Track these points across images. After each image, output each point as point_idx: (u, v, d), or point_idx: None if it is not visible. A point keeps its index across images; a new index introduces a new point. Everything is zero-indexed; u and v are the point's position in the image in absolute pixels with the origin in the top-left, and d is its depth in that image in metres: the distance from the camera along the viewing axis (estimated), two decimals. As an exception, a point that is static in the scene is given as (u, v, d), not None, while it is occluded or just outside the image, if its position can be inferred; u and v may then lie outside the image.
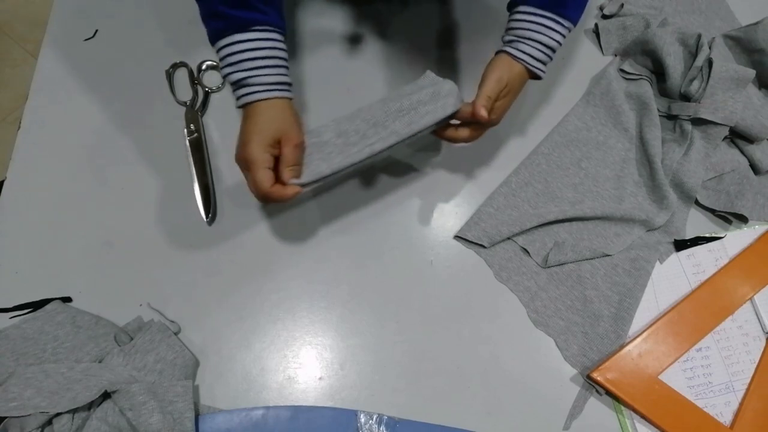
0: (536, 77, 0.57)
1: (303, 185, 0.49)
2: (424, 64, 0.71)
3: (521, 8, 0.55)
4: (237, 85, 0.49)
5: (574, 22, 0.56)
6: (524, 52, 0.55)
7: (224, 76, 0.50)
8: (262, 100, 0.49)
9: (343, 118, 0.53)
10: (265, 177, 0.48)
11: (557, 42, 0.55)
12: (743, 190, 0.65)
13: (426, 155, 0.66)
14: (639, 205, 0.65)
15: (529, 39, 0.54)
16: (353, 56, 0.72)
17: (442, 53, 0.73)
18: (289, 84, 0.52)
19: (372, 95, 0.68)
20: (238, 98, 0.50)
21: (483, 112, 0.52)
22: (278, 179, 0.49)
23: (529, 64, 0.55)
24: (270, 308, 0.58)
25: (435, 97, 0.53)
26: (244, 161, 0.49)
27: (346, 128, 0.53)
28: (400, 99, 0.53)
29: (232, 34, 0.48)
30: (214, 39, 0.49)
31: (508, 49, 0.55)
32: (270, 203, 0.52)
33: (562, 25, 0.55)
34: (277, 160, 0.50)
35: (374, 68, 0.71)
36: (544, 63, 0.56)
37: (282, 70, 0.50)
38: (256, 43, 0.48)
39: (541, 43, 0.54)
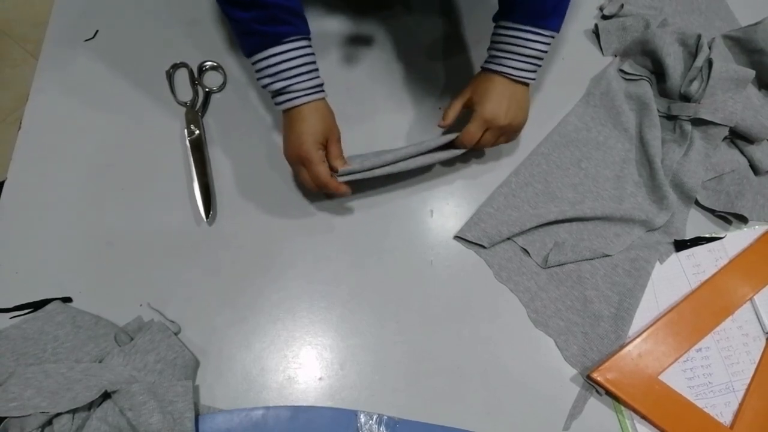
0: (524, 83, 0.59)
1: (349, 174, 0.56)
2: (424, 68, 0.71)
3: (502, 23, 0.58)
4: (278, 93, 0.54)
5: (556, 30, 0.57)
6: (503, 65, 0.58)
7: (264, 86, 0.55)
8: (304, 104, 0.55)
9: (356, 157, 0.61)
10: (324, 170, 0.55)
11: (540, 51, 0.57)
12: (743, 191, 0.65)
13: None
14: (639, 205, 0.65)
15: (510, 53, 0.57)
16: (353, 60, 0.72)
17: (442, 58, 0.73)
18: (322, 84, 0.57)
19: (372, 99, 0.69)
20: (279, 103, 0.55)
21: (440, 121, 0.60)
22: None
23: (511, 75, 0.58)
24: (270, 308, 0.58)
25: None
26: (299, 158, 0.55)
27: (364, 160, 0.59)
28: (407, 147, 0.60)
29: (267, 48, 0.52)
30: (250, 54, 0.54)
31: (487, 65, 0.59)
32: (325, 192, 0.59)
33: (543, 35, 0.57)
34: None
35: (374, 72, 0.71)
36: (530, 71, 0.58)
37: (315, 74, 0.56)
38: (290, 54, 0.53)
39: (523, 54, 0.57)
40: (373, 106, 0.69)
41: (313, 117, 0.55)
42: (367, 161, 0.57)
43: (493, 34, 0.59)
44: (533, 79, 0.59)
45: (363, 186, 0.64)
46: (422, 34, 0.74)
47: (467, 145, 0.60)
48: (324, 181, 0.55)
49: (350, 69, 0.71)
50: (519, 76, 0.58)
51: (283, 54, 0.53)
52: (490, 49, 0.60)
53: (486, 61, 0.60)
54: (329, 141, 0.57)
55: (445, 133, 0.62)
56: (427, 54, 0.73)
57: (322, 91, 0.57)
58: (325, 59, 0.71)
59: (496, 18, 0.59)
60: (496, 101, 0.58)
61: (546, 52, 0.58)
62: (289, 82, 0.54)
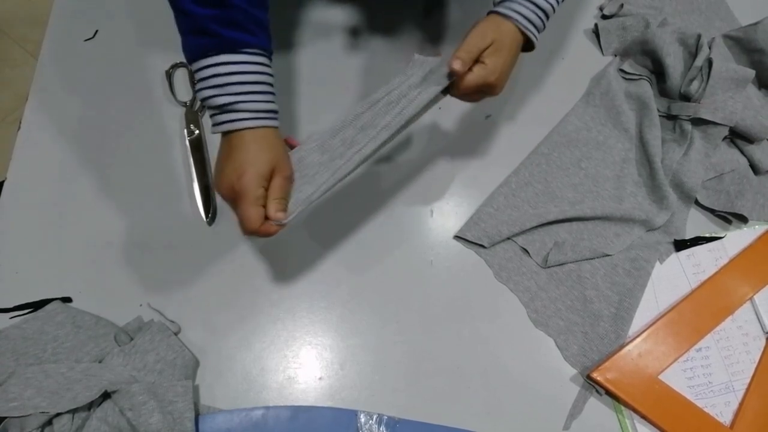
0: (529, 44, 0.54)
1: (286, 222, 0.46)
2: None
3: None
4: (221, 109, 0.45)
5: None
6: (514, 11, 0.51)
7: (203, 99, 0.45)
8: (251, 128, 0.45)
9: (328, 131, 0.50)
10: (256, 215, 0.44)
11: (550, 5, 0.52)
12: (743, 190, 0.65)
13: (426, 155, 0.66)
14: (639, 205, 0.65)
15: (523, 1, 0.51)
16: (353, 53, 0.72)
17: (443, 50, 0.73)
18: (276, 112, 0.48)
19: (371, 89, 0.68)
20: (219, 123, 0.46)
21: (457, 65, 0.48)
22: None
23: (519, 23, 0.51)
24: (270, 308, 0.58)
25: (426, 77, 0.50)
26: (233, 192, 0.45)
27: (330, 142, 0.49)
28: (388, 92, 0.50)
29: (219, 54, 0.44)
30: (195, 56, 0.45)
31: (497, 8, 0.52)
32: (257, 236, 0.49)
33: None
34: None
35: (374, 65, 0.71)
36: (536, 27, 0.53)
37: (271, 97, 0.48)
38: (245, 66, 0.45)
39: (533, 2, 0.51)
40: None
41: (259, 144, 0.45)
42: (311, 186, 0.47)
43: None
44: (537, 38, 0.54)
45: (363, 186, 0.64)
46: (425, 23, 0.74)
47: (459, 95, 0.52)
48: (252, 228, 0.44)
49: (349, 58, 0.71)
50: (528, 29, 0.52)
51: (238, 65, 0.44)
52: None
53: (497, 4, 0.53)
54: (275, 175, 0.46)
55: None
56: (429, 43, 0.72)
57: (276, 118, 0.48)
58: (324, 51, 0.71)
59: None
60: (503, 58, 0.51)
61: (554, 11, 0.53)
62: (237, 99, 0.44)
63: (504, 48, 0.51)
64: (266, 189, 0.46)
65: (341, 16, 0.73)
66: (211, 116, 0.46)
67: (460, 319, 0.58)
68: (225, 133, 0.47)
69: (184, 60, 0.68)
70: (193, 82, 0.67)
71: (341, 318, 0.58)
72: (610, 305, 0.60)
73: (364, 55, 0.71)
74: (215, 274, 0.59)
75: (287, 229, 0.60)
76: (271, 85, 0.48)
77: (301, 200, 0.47)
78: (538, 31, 0.54)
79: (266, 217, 0.45)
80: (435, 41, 0.73)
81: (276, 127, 0.48)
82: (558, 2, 0.54)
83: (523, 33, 0.53)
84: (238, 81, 0.45)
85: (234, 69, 0.44)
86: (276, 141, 0.47)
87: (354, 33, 0.72)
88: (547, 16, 0.54)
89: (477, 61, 0.51)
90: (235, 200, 0.46)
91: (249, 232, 0.45)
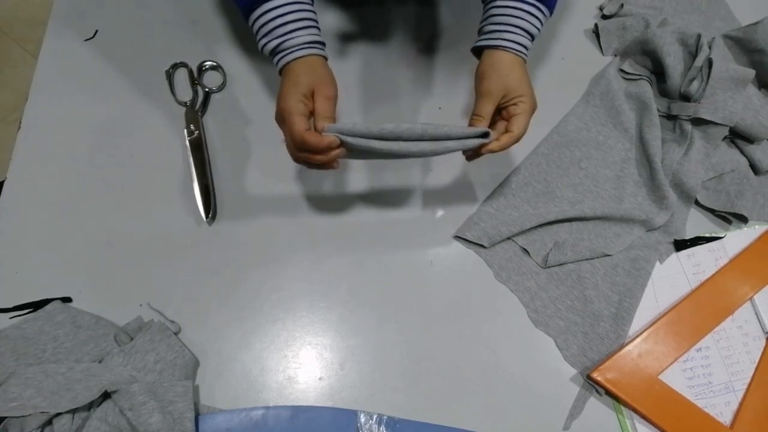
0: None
1: (340, 136, 0.47)
2: (422, 62, 0.71)
3: None
4: (273, 53, 0.50)
5: (552, 10, 0.55)
6: (509, 40, 0.53)
7: (262, 49, 0.51)
8: (296, 59, 0.49)
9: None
10: (299, 121, 0.47)
11: (537, 30, 0.54)
12: (743, 190, 0.65)
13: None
14: (639, 205, 0.65)
15: (514, 26, 0.53)
16: (349, 55, 0.72)
17: (440, 51, 0.73)
18: (322, 43, 0.52)
19: (368, 94, 0.68)
20: (275, 64, 0.51)
21: (492, 146, 0.52)
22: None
23: (516, 51, 0.53)
24: (270, 308, 0.58)
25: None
26: (280, 115, 0.49)
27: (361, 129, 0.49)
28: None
29: (261, 4, 0.49)
30: (246, 15, 0.50)
31: (492, 41, 0.53)
32: (308, 159, 0.49)
33: (542, 12, 0.53)
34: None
35: (370, 67, 0.71)
36: (527, 48, 0.54)
37: (313, 30, 0.51)
38: (284, 8, 0.49)
39: (524, 30, 0.53)
40: (367, 103, 0.69)
41: (299, 69, 0.49)
42: (363, 128, 0.47)
43: (490, 8, 0.54)
44: (527, 57, 0.55)
45: (363, 185, 0.64)
46: (418, 28, 0.74)
47: (519, 138, 0.53)
48: (298, 135, 0.47)
49: (345, 64, 0.71)
50: (520, 51, 0.53)
51: (277, 9, 0.49)
52: (487, 24, 0.55)
53: (484, 39, 0.54)
54: (316, 95, 0.49)
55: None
56: (424, 48, 0.72)
57: (320, 48, 0.51)
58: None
59: None
60: (530, 84, 0.53)
61: (539, 32, 0.54)
62: (281, 39, 0.49)
63: (523, 78, 0.53)
64: (309, 109, 0.49)
65: (333, 22, 0.73)
66: (271, 61, 0.51)
67: (460, 319, 0.58)
68: (280, 72, 0.51)
69: (184, 60, 0.69)
70: (192, 82, 0.68)
71: (341, 318, 0.58)
72: (610, 305, 0.60)
73: (355, 62, 0.71)
74: (215, 274, 0.59)
75: (289, 231, 0.60)
76: (312, 20, 0.51)
77: (349, 128, 0.47)
78: (527, 50, 0.55)
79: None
80: (427, 48, 0.73)
81: (320, 56, 0.51)
82: (543, 24, 0.54)
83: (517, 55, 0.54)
84: (280, 23, 0.49)
85: (275, 14, 0.49)
86: (319, 66, 0.50)
87: (345, 39, 0.72)
88: (534, 39, 0.55)
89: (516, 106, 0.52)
90: (282, 122, 0.49)
91: (299, 141, 0.47)
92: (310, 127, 0.48)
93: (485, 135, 0.51)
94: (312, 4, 0.51)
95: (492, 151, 0.52)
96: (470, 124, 0.53)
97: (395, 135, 0.48)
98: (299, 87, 0.48)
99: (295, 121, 0.47)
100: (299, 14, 0.49)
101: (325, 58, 0.52)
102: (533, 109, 0.54)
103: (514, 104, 0.53)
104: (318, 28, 0.51)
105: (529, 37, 0.54)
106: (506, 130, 0.53)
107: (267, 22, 0.49)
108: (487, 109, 0.53)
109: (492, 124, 0.54)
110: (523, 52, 0.53)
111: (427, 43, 0.73)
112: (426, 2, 0.75)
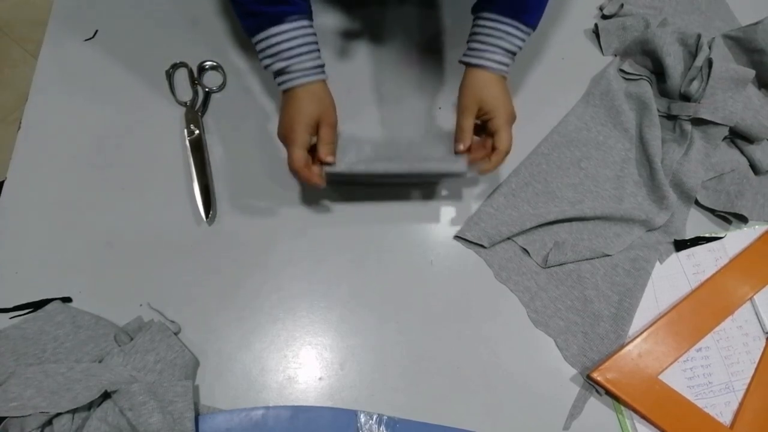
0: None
1: (332, 174, 0.55)
2: (422, 64, 0.71)
3: (484, 14, 0.56)
4: (278, 73, 0.54)
5: (534, 27, 0.57)
6: (488, 59, 0.56)
7: (265, 67, 0.54)
8: (301, 85, 0.54)
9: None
10: (299, 156, 0.53)
11: (518, 47, 0.57)
12: (743, 190, 0.65)
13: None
14: (639, 205, 0.65)
15: (493, 45, 0.56)
16: (348, 56, 0.72)
17: (440, 53, 0.73)
18: (323, 66, 0.56)
19: (368, 96, 0.69)
20: (279, 84, 0.55)
21: (459, 147, 0.57)
22: (314, 160, 0.55)
23: (494, 69, 0.56)
24: (270, 308, 0.58)
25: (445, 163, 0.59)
26: (284, 137, 0.55)
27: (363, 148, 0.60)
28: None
29: (268, 27, 0.52)
30: (251, 34, 0.54)
31: (471, 59, 0.57)
32: (301, 181, 0.57)
33: (522, 31, 0.56)
34: (313, 148, 0.55)
35: (370, 68, 0.71)
36: (507, 65, 0.57)
37: (315, 54, 0.55)
38: (290, 33, 0.53)
39: (503, 48, 0.56)
40: (368, 103, 0.69)
41: (307, 99, 0.54)
42: (360, 163, 0.56)
43: (474, 25, 0.58)
44: (507, 73, 0.58)
45: (363, 186, 0.64)
46: (418, 28, 0.73)
47: (507, 152, 0.57)
48: (296, 167, 0.54)
49: (345, 65, 0.71)
50: (499, 70, 0.57)
51: (284, 34, 0.53)
52: (469, 41, 0.58)
53: (467, 54, 0.58)
54: (321, 124, 0.55)
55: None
56: (424, 49, 0.72)
57: (322, 72, 0.56)
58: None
59: (476, 9, 0.57)
60: (505, 99, 0.57)
61: (521, 48, 0.57)
62: (288, 63, 0.53)
63: (499, 94, 0.57)
64: (312, 137, 0.55)
65: (335, 22, 0.73)
66: (274, 79, 0.56)
67: (460, 319, 0.58)
68: (284, 92, 0.56)
69: (184, 60, 0.69)
70: (192, 82, 0.68)
71: (341, 318, 0.58)
72: (610, 305, 0.60)
73: (356, 62, 0.71)
74: (215, 274, 0.59)
75: (289, 231, 0.60)
76: (314, 43, 0.55)
77: (344, 165, 0.56)
78: (509, 66, 0.58)
79: (316, 161, 0.55)
80: (428, 49, 0.73)
81: (323, 81, 0.56)
82: (524, 41, 0.57)
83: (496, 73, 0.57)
84: (286, 47, 0.53)
85: (281, 38, 0.53)
86: (322, 93, 0.56)
87: (346, 38, 0.72)
88: (515, 54, 0.58)
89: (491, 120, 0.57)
90: (286, 145, 0.55)
91: (294, 170, 0.54)
92: (308, 160, 0.54)
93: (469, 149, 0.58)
94: (312, 27, 0.55)
95: (489, 171, 0.57)
96: (455, 137, 0.58)
97: (382, 173, 0.56)
98: (305, 117, 0.54)
99: (295, 154, 0.53)
100: (304, 39, 0.54)
101: (325, 80, 0.57)
102: (509, 121, 0.57)
103: (491, 119, 0.56)
104: (319, 50, 0.56)
105: (508, 54, 0.57)
106: (492, 147, 0.57)
107: (274, 44, 0.53)
108: (467, 122, 0.57)
109: (478, 132, 0.59)
110: (501, 69, 0.57)
111: (427, 43, 0.73)
112: (427, 5, 0.75)
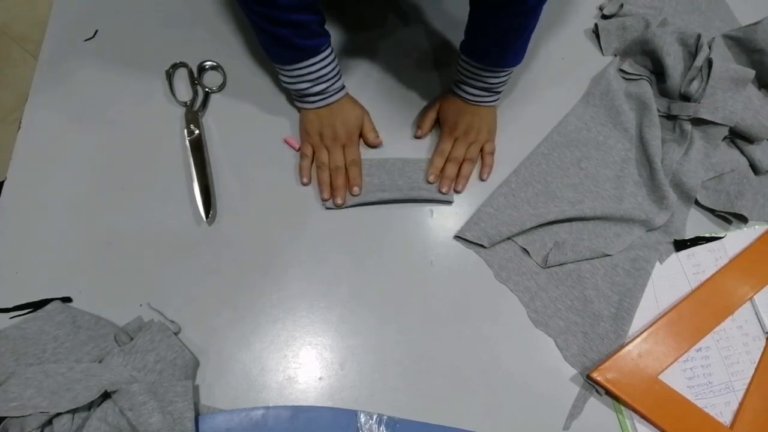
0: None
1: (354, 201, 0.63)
2: (419, 82, 0.71)
3: (464, 57, 0.62)
4: (318, 94, 0.62)
5: (515, 65, 0.61)
6: (466, 93, 0.64)
7: (298, 90, 0.62)
8: (337, 100, 0.64)
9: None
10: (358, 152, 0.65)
11: (498, 84, 0.62)
12: (743, 190, 0.65)
13: (426, 155, 0.66)
14: (639, 205, 0.65)
15: (469, 84, 0.63)
16: (347, 73, 0.71)
17: (438, 72, 0.73)
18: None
19: (375, 105, 0.68)
20: (313, 102, 0.63)
21: (430, 178, 0.64)
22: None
23: (470, 101, 0.64)
24: (270, 308, 0.58)
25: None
26: (335, 141, 0.64)
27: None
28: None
29: (308, 59, 0.59)
30: (287, 62, 0.59)
31: (452, 88, 0.66)
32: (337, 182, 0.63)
33: (502, 74, 0.61)
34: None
35: (368, 87, 0.70)
36: (488, 97, 0.64)
37: (341, 74, 0.64)
38: (326, 61, 0.60)
39: (480, 87, 0.62)
40: (372, 110, 0.68)
41: (351, 105, 0.65)
42: (369, 194, 0.63)
43: (459, 61, 0.63)
44: (494, 101, 0.64)
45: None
46: (417, 48, 0.73)
47: (443, 157, 0.64)
48: (357, 162, 0.64)
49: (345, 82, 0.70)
50: (477, 102, 0.63)
51: (322, 62, 0.60)
52: (456, 73, 0.64)
53: (453, 83, 0.65)
54: (365, 120, 0.66)
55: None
56: (422, 68, 0.72)
57: (346, 89, 0.66)
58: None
59: (461, 50, 0.62)
60: (458, 115, 0.64)
61: (505, 82, 0.63)
62: (326, 85, 0.61)
63: (453, 110, 0.65)
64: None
65: (334, 41, 0.72)
66: (303, 98, 0.63)
67: (460, 319, 0.58)
68: (319, 107, 0.63)
69: (184, 60, 0.69)
70: (192, 82, 0.68)
71: (341, 318, 0.58)
72: (610, 305, 0.60)
73: (356, 80, 0.70)
74: (215, 274, 0.59)
75: (289, 231, 0.60)
76: (338, 65, 0.63)
77: (359, 200, 0.63)
78: (493, 95, 0.64)
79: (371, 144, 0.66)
80: (431, 66, 0.73)
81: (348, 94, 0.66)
82: (507, 76, 0.62)
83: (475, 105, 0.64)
84: (325, 72, 0.61)
85: (320, 65, 0.60)
86: (352, 99, 0.67)
87: (347, 56, 0.72)
88: (498, 87, 0.63)
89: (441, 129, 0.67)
90: (333, 147, 0.64)
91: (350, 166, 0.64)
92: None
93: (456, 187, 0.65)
94: (333, 51, 0.62)
95: (487, 173, 0.66)
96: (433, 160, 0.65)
97: (377, 202, 0.63)
98: (357, 120, 0.65)
99: (356, 153, 0.65)
100: (334, 63, 0.62)
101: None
102: (483, 139, 0.65)
103: (471, 143, 0.65)
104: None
105: (486, 91, 0.63)
106: (482, 159, 0.66)
107: (314, 71, 0.60)
108: (445, 146, 0.65)
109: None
110: (479, 102, 0.64)
111: (423, 64, 0.72)
112: (424, 25, 0.75)
